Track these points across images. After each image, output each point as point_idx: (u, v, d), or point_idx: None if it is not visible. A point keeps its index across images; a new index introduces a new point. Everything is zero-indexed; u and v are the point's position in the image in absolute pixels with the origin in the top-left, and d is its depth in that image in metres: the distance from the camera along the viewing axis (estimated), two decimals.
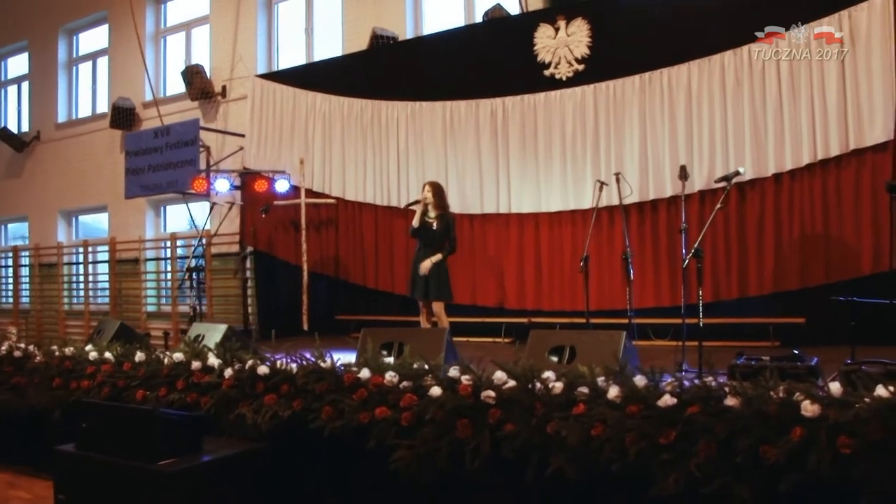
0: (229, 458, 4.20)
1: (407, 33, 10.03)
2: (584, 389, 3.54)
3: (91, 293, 13.40)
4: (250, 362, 4.76)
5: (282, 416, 4.38)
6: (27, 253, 14.44)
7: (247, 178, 10.37)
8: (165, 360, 5.19)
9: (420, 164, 9.14)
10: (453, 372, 4.00)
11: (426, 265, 6.94)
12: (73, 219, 14.36)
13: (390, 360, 4.42)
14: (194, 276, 8.27)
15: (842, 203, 6.89)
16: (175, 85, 12.40)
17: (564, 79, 8.21)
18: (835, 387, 3.05)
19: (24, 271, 14.56)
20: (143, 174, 10.79)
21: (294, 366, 4.55)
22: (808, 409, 2.98)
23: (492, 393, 3.77)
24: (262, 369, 4.64)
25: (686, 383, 3.37)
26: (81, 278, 13.42)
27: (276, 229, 10.44)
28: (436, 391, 3.95)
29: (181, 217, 12.32)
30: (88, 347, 5.87)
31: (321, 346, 4.60)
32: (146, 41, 12.72)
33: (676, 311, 7.49)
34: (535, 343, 4.39)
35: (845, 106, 6.80)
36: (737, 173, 5.12)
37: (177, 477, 3.91)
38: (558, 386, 3.60)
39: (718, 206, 4.72)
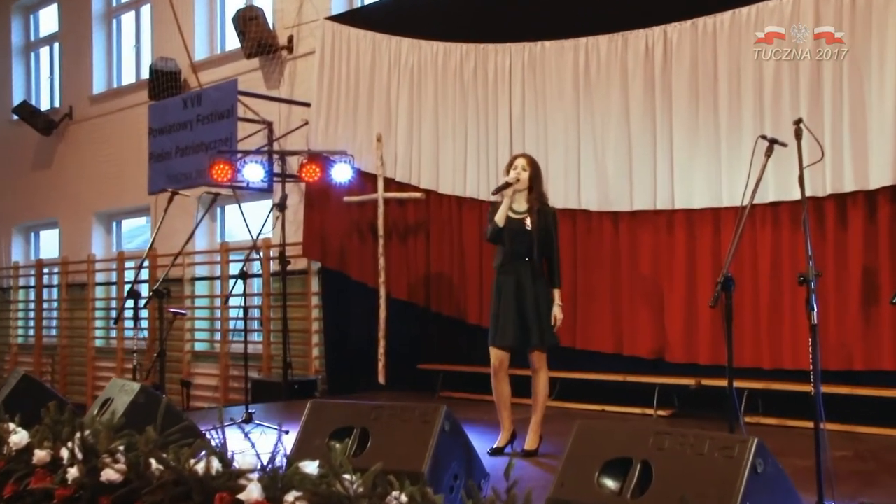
0: None
1: None
2: None
3: (127, 323, 13.00)
4: (106, 458, 3.51)
5: None
6: (57, 269, 14.40)
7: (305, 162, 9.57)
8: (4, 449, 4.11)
9: (542, 136, 8.27)
10: None
11: (557, 314, 5.74)
12: (114, 224, 14.18)
13: (313, 465, 2.99)
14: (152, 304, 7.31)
15: None
16: (234, 40, 11.82)
17: None
18: None
19: (55, 293, 14.54)
20: (169, 160, 10.41)
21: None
22: None
23: None
24: (109, 474, 3.40)
25: None
26: (116, 304, 13.06)
27: (349, 237, 9.83)
28: None
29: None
30: None
31: None
32: None
33: None
34: (581, 448, 2.80)
35: None
36: None
37: None
38: None
39: None
